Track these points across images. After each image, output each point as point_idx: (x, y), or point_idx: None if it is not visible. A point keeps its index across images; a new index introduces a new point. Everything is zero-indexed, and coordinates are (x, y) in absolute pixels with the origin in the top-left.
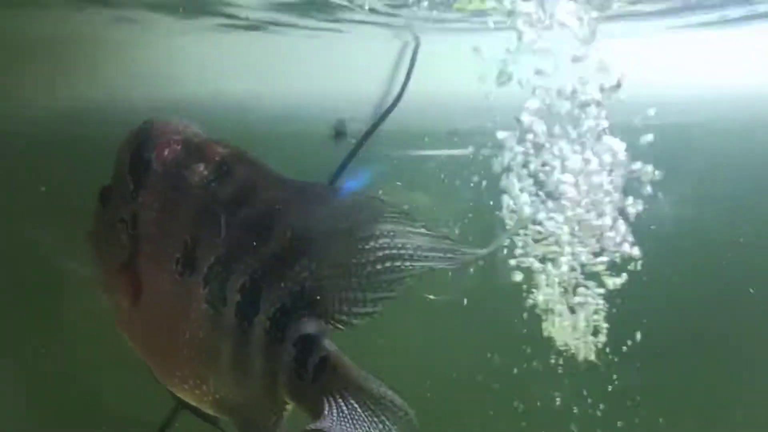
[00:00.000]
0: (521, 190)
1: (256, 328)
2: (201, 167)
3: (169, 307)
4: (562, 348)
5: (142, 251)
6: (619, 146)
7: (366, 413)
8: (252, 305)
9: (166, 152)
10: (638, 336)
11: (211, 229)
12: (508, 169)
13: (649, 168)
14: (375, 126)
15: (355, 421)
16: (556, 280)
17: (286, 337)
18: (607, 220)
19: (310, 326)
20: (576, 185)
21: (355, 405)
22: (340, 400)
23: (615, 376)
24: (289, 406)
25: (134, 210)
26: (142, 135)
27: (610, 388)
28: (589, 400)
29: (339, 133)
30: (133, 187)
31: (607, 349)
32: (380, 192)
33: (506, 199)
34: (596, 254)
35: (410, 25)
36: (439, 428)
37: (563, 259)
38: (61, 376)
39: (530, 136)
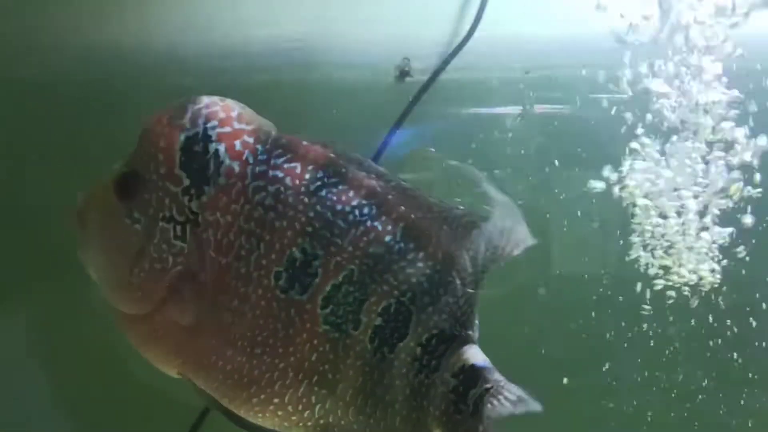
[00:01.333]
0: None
1: (400, 355)
2: (299, 168)
3: (261, 327)
4: None
5: (212, 260)
6: None
7: None
8: (396, 330)
9: (239, 144)
10: None
11: (334, 244)
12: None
13: None
14: (442, 67)
15: None
16: None
17: (441, 366)
18: None
19: (474, 356)
20: None
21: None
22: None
23: None
24: None
25: (193, 210)
26: (195, 118)
27: None
28: None
29: (403, 73)
30: (190, 182)
31: None
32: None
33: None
34: None
35: None
36: None
37: None
38: None
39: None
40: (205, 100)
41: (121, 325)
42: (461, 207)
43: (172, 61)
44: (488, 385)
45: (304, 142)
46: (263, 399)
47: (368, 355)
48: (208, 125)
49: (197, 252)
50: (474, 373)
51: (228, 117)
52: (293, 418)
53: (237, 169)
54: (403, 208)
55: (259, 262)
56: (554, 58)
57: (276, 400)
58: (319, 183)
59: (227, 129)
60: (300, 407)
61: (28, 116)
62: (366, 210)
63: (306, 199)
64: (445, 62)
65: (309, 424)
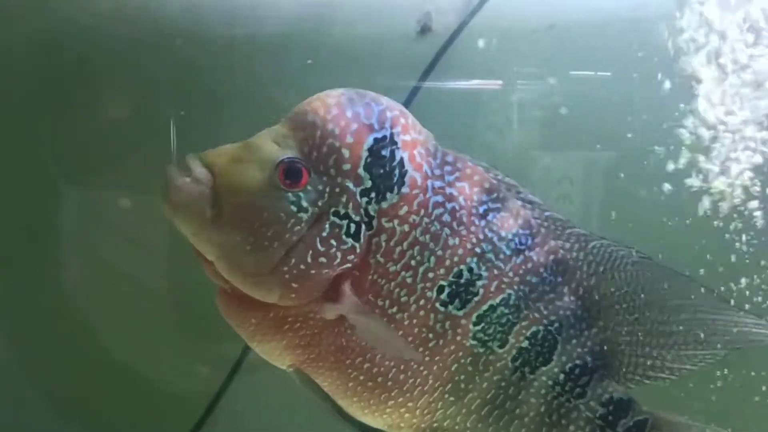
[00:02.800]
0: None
1: (540, 377)
2: (467, 188)
3: (414, 335)
4: None
5: (379, 265)
6: None
7: None
8: (540, 355)
9: (418, 156)
10: None
11: (497, 268)
12: None
13: None
14: (465, 21)
15: None
16: None
17: (587, 394)
18: None
19: (618, 389)
20: None
21: None
22: None
23: None
24: None
25: (370, 213)
26: (382, 120)
27: None
28: None
29: (425, 28)
30: (372, 185)
31: None
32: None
33: None
34: None
35: None
36: None
37: None
38: None
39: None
40: (385, 101)
41: (235, 311)
42: (623, 246)
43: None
44: (642, 417)
45: (468, 162)
46: (399, 401)
47: (507, 372)
48: (394, 130)
49: (366, 254)
50: (624, 405)
51: (407, 124)
52: (414, 420)
53: (419, 181)
54: (553, 242)
55: (426, 274)
56: None
57: (410, 404)
58: (485, 207)
59: (408, 137)
60: (426, 411)
61: None
62: (524, 240)
63: (476, 221)
64: (471, 15)
65: (423, 426)
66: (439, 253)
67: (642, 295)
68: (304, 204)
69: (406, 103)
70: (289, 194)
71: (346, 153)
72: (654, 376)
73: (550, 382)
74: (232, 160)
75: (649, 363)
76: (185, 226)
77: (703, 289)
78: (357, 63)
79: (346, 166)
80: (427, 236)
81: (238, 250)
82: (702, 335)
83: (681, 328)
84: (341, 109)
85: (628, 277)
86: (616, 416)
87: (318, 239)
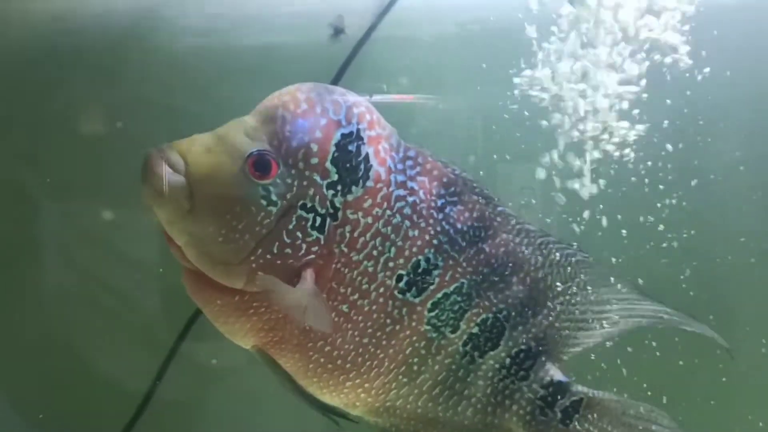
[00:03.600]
0: None
1: (488, 361)
2: (427, 182)
3: (373, 320)
4: None
5: (342, 255)
6: None
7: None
8: (489, 340)
9: (382, 150)
10: None
11: (453, 258)
12: None
13: None
14: (376, 23)
15: None
16: None
17: (530, 376)
18: None
19: (557, 372)
20: None
21: (616, 428)
22: (595, 425)
23: None
24: None
25: (335, 205)
26: (350, 116)
27: None
28: None
29: (338, 31)
30: (338, 179)
31: None
32: None
33: None
34: None
35: None
36: None
37: None
38: None
39: None
40: (351, 97)
41: (200, 292)
42: (573, 244)
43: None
44: (577, 397)
45: (428, 157)
46: (357, 382)
47: (458, 356)
48: (361, 126)
49: (330, 244)
50: (562, 387)
51: (373, 120)
52: (369, 399)
53: (383, 175)
54: (505, 235)
55: (387, 263)
56: None
57: (366, 385)
58: (443, 200)
59: (373, 133)
60: (381, 391)
61: None
62: (478, 232)
63: (434, 214)
64: (380, 17)
65: (377, 405)
66: (399, 243)
67: (581, 288)
68: (274, 197)
69: None
70: (260, 187)
71: (314, 147)
72: (571, 352)
73: (497, 366)
74: (205, 150)
75: (577, 341)
76: (162, 214)
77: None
78: (271, 69)
79: (314, 160)
80: (389, 228)
81: (210, 240)
82: (617, 318)
83: (609, 314)
84: (311, 105)
85: (571, 272)
86: (554, 397)
87: (285, 231)
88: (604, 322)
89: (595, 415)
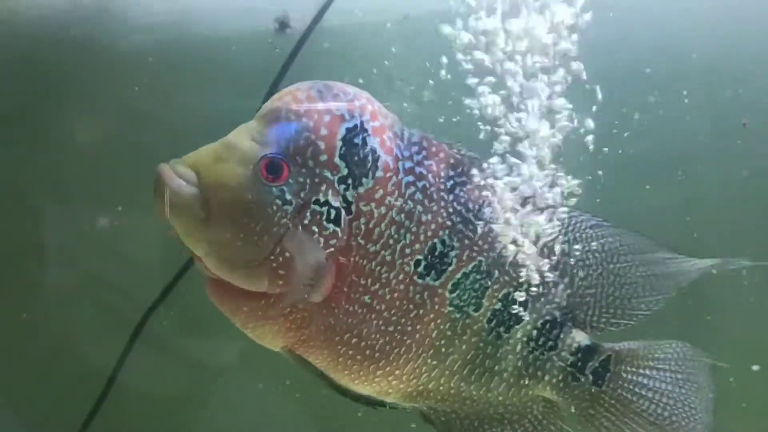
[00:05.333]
0: None
1: (515, 335)
2: (434, 166)
3: (397, 308)
4: None
5: (360, 247)
6: None
7: (663, 374)
8: (513, 314)
9: (387, 140)
10: None
11: (468, 238)
12: None
13: None
14: (320, 15)
15: (654, 383)
16: None
17: (558, 345)
18: None
19: (583, 337)
20: None
21: (649, 372)
22: (629, 378)
23: None
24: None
25: (348, 199)
26: (352, 110)
27: None
28: None
29: (283, 26)
30: (348, 172)
31: None
32: None
33: None
34: None
35: None
36: None
37: None
38: None
39: None
40: (352, 90)
41: (227, 300)
42: (577, 210)
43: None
44: (605, 356)
45: (433, 141)
46: (387, 370)
47: (484, 333)
48: (364, 118)
49: (347, 238)
50: (590, 350)
51: (375, 111)
52: (401, 386)
53: (391, 164)
54: (516, 209)
55: (403, 250)
56: None
57: (396, 371)
58: (452, 182)
59: (377, 123)
60: (411, 376)
61: None
62: (489, 210)
63: (446, 196)
64: (322, 11)
65: (409, 390)
66: (414, 229)
67: (601, 253)
68: (288, 197)
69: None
70: (273, 188)
71: (321, 144)
72: (616, 322)
73: (524, 339)
74: (215, 160)
75: (611, 311)
76: (179, 226)
77: (649, 241)
78: (218, 64)
79: (323, 157)
80: (402, 215)
81: (229, 246)
82: (653, 283)
83: (636, 278)
84: (313, 103)
85: (588, 238)
86: (584, 361)
87: (302, 229)
88: (630, 284)
89: (626, 368)
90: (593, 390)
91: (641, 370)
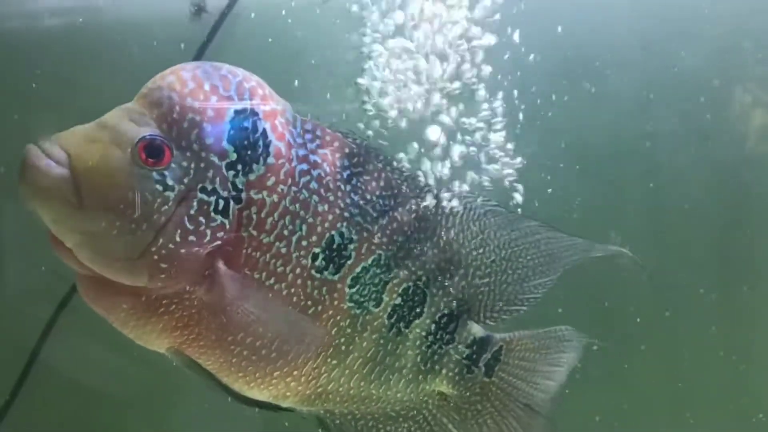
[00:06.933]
0: None
1: (414, 330)
2: (329, 155)
3: (293, 305)
4: None
5: (252, 239)
6: None
7: (542, 356)
8: (412, 309)
9: (279, 125)
10: None
11: (367, 230)
12: None
13: None
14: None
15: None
16: None
17: (455, 339)
18: None
19: (479, 330)
20: None
21: (531, 356)
22: (515, 364)
23: None
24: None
25: (238, 187)
26: (241, 91)
27: None
28: None
29: (200, 9)
30: (237, 158)
31: None
32: None
33: None
34: None
35: None
36: None
37: None
38: None
39: None
40: (241, 72)
41: (101, 299)
42: (481, 196)
43: None
44: (497, 347)
45: (327, 129)
46: (285, 371)
47: (384, 329)
48: (254, 101)
49: (237, 228)
50: (483, 342)
51: (265, 95)
52: (299, 387)
53: (284, 150)
54: (414, 200)
55: (300, 243)
56: None
57: (295, 372)
58: (349, 171)
59: (268, 107)
60: (311, 377)
61: None
62: (388, 201)
63: (342, 186)
64: None
65: (308, 392)
66: (310, 220)
67: (494, 240)
68: (170, 182)
69: None
70: (154, 173)
71: (207, 127)
72: (510, 310)
73: (423, 333)
74: (88, 141)
75: (505, 299)
76: (46, 213)
77: (537, 223)
78: (132, 48)
79: (209, 140)
80: (297, 205)
81: (104, 236)
82: (542, 265)
83: (527, 263)
84: (198, 83)
85: (481, 226)
86: (478, 353)
87: (186, 217)
88: (522, 269)
89: (515, 357)
90: (484, 380)
91: (529, 358)
